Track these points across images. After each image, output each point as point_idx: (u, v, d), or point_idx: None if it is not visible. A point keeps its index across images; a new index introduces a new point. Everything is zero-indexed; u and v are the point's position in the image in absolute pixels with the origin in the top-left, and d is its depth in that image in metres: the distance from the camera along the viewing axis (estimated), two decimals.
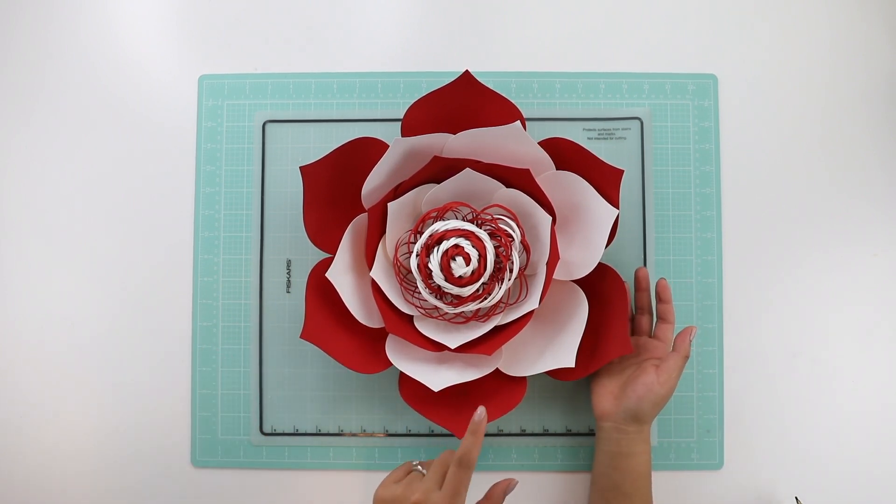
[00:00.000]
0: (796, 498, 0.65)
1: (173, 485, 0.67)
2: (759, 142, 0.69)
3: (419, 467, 0.55)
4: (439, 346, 0.60)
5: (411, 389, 0.61)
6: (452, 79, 0.60)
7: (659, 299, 0.63)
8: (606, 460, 0.60)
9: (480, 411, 0.51)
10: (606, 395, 0.61)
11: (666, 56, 0.69)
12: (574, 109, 0.68)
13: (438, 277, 0.59)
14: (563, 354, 0.59)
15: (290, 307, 0.68)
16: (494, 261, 0.59)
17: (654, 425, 0.67)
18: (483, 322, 0.61)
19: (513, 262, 0.60)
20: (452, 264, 0.59)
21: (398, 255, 0.62)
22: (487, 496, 0.55)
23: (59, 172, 0.69)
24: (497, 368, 0.60)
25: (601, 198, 0.59)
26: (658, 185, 0.68)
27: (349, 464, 0.67)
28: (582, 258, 0.60)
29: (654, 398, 0.58)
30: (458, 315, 0.62)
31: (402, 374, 0.61)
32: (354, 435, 0.67)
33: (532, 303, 0.59)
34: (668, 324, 0.62)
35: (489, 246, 0.59)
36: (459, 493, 0.49)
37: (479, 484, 0.67)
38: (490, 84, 0.67)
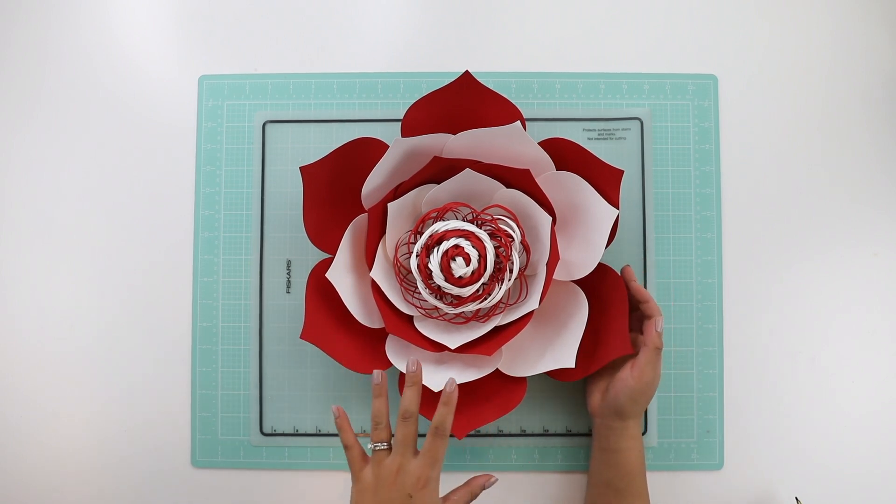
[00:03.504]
0: (796, 498, 0.65)
1: (173, 485, 0.67)
2: (758, 142, 0.69)
3: (380, 445, 0.54)
4: (439, 347, 0.60)
5: None
6: (452, 79, 0.60)
7: (638, 300, 0.61)
8: (598, 456, 0.61)
9: (451, 382, 0.52)
10: (596, 392, 0.62)
11: (666, 56, 0.69)
12: (574, 109, 0.68)
13: (438, 278, 0.59)
14: (564, 355, 0.59)
15: (290, 307, 0.68)
16: (494, 261, 0.59)
17: (653, 425, 0.67)
18: (483, 322, 0.61)
19: (513, 263, 0.60)
20: (452, 265, 0.59)
21: (398, 256, 0.62)
22: (467, 484, 0.55)
23: (59, 173, 0.69)
24: (497, 369, 0.60)
25: (601, 198, 0.59)
26: (658, 185, 0.68)
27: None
28: (582, 258, 0.60)
29: (630, 392, 0.58)
30: (458, 315, 0.62)
31: (402, 374, 0.61)
32: (355, 435, 0.67)
33: (532, 303, 0.59)
34: (650, 318, 0.61)
35: (489, 246, 0.59)
36: (438, 461, 0.50)
37: None
38: (490, 84, 0.67)
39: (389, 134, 0.67)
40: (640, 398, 0.59)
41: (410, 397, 0.52)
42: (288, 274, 0.68)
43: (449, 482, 0.67)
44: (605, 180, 0.59)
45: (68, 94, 0.69)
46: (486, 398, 0.61)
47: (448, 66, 0.69)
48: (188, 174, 0.69)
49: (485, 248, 0.59)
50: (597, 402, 0.62)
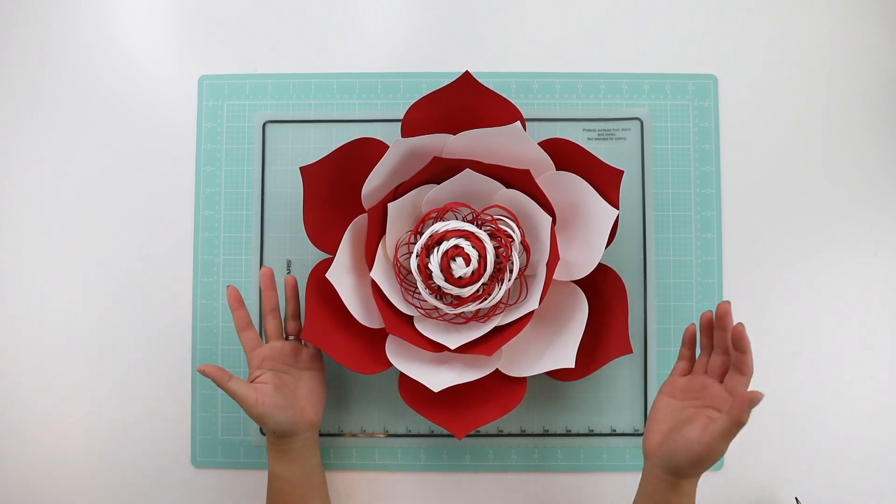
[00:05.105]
0: (796, 499, 0.65)
1: (173, 485, 0.67)
2: (759, 142, 0.69)
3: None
4: (439, 347, 0.60)
5: (411, 390, 0.61)
6: (452, 79, 0.60)
7: (735, 348, 0.53)
8: (641, 500, 0.56)
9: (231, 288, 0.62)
10: (656, 432, 0.55)
11: (666, 56, 0.69)
12: (574, 110, 0.68)
13: (438, 278, 0.59)
14: (563, 355, 0.59)
15: None
16: (494, 261, 0.59)
17: None
18: (483, 323, 0.61)
19: (513, 263, 0.60)
20: (452, 265, 0.59)
21: (398, 256, 0.62)
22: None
23: (59, 173, 0.69)
24: (497, 369, 0.60)
25: (601, 198, 0.59)
26: (658, 185, 0.68)
27: (349, 464, 0.67)
28: (582, 259, 0.60)
29: (691, 455, 0.51)
30: (457, 316, 0.62)
31: (402, 374, 0.61)
32: (354, 435, 0.67)
33: (532, 303, 0.59)
34: (742, 376, 0.53)
35: (489, 246, 0.59)
36: (244, 351, 0.62)
37: (479, 484, 0.67)
38: (490, 84, 0.66)
39: (389, 134, 0.67)
40: (702, 464, 0.52)
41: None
42: (288, 274, 0.68)
43: (449, 482, 0.67)
44: (605, 180, 0.59)
45: (68, 94, 0.69)
46: (486, 398, 0.61)
47: (448, 66, 0.69)
48: (188, 174, 0.69)
49: (485, 248, 0.59)
50: (654, 444, 0.55)
